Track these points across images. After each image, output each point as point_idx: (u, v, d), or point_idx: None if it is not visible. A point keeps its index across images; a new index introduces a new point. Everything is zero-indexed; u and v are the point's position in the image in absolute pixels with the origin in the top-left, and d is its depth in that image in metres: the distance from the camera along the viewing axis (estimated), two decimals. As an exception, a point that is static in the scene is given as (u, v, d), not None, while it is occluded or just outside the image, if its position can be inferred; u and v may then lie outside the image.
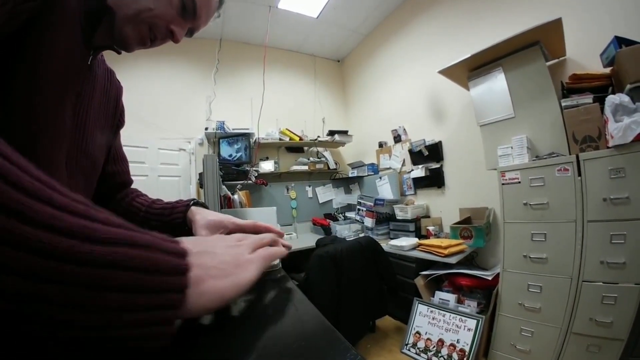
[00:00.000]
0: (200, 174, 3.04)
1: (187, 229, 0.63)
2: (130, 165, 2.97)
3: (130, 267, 0.21)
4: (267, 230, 0.57)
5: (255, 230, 0.58)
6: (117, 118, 0.72)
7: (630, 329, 1.46)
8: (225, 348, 0.27)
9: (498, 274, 2.11)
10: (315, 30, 4.10)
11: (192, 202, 0.67)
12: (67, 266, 0.18)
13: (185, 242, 0.28)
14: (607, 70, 1.78)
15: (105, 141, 0.67)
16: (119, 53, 0.58)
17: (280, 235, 0.55)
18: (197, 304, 0.26)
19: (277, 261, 0.51)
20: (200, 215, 0.62)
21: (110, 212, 0.23)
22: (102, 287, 0.19)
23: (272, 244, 0.44)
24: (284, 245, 0.50)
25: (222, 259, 0.31)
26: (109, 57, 0.66)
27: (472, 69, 2.32)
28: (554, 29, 1.82)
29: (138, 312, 0.21)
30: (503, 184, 2.02)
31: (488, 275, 2.22)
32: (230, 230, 0.60)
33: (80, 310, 0.19)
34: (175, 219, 0.64)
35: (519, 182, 1.94)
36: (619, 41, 1.65)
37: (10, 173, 0.17)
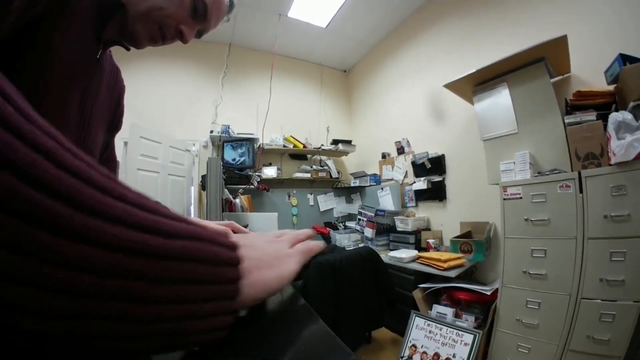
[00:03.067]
0: (203, 176, 3.05)
1: None
2: (145, 158, 2.96)
3: (197, 260, 0.22)
4: None
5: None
6: (116, 118, 0.71)
7: (627, 347, 1.44)
8: (221, 353, 0.27)
9: (497, 289, 2.09)
10: (324, 39, 4.15)
11: None
12: (143, 261, 0.18)
13: (233, 236, 0.30)
14: (611, 87, 1.78)
15: (103, 139, 0.66)
16: (128, 49, 0.58)
17: None
18: (247, 294, 0.26)
19: None
20: None
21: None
22: (175, 280, 0.20)
23: (309, 238, 0.45)
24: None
25: (265, 252, 0.32)
26: (118, 56, 0.66)
27: (477, 84, 2.34)
28: (559, 45, 1.83)
29: (205, 302, 0.22)
30: (505, 199, 2.02)
31: (487, 290, 2.20)
32: None
33: (154, 304, 0.19)
34: None
35: (521, 198, 1.94)
36: (624, 59, 1.66)
37: (80, 169, 0.17)
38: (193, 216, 3.38)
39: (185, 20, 0.56)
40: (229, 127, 3.61)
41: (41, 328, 0.15)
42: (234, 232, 0.59)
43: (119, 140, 0.76)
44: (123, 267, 0.17)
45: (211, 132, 3.64)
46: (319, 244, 0.43)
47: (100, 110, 0.60)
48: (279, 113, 4.05)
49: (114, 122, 0.71)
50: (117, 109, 0.70)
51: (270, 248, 0.34)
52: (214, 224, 0.60)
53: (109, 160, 0.74)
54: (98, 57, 0.54)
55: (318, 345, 0.29)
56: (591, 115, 1.70)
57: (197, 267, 0.21)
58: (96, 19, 0.49)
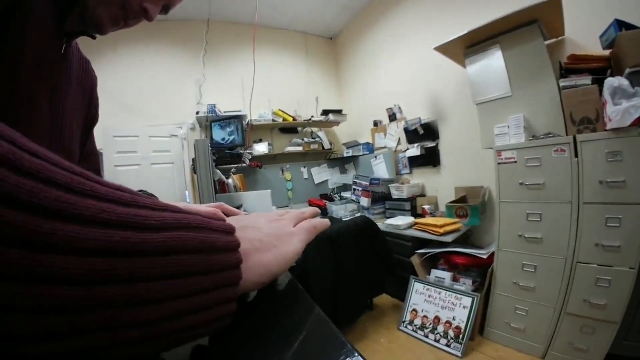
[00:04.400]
0: (193, 160, 3.00)
1: None
2: (122, 155, 3.02)
3: (189, 250, 0.20)
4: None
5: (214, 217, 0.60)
6: (91, 112, 0.69)
7: (624, 313, 1.49)
8: (216, 342, 0.26)
9: (493, 252, 2.14)
10: (306, 6, 3.94)
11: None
12: (126, 261, 0.17)
13: (228, 219, 0.29)
14: (606, 52, 1.74)
15: (80, 135, 0.64)
16: (94, 38, 0.55)
17: None
18: (247, 279, 0.25)
19: None
20: None
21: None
22: (168, 275, 0.19)
23: (314, 216, 0.43)
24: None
25: (266, 232, 0.32)
26: (93, 46, 0.62)
27: (468, 46, 2.27)
28: (553, 7, 1.76)
29: (205, 293, 0.21)
30: (499, 163, 2.02)
31: (483, 253, 2.26)
32: None
33: (148, 305, 0.18)
34: None
35: (515, 162, 1.94)
36: (619, 24, 1.62)
37: (40, 169, 0.15)
38: (188, 201, 3.36)
39: None
40: (215, 106, 3.51)
41: (24, 351, 0.14)
42: (225, 213, 0.59)
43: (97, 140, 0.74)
44: (105, 271, 0.16)
45: (197, 113, 3.54)
46: (324, 222, 0.41)
47: (73, 106, 0.58)
48: (266, 87, 3.94)
49: (89, 116, 0.68)
50: (91, 102, 0.68)
51: (271, 228, 0.33)
52: (203, 207, 0.60)
53: (90, 155, 0.73)
54: (63, 51, 0.52)
55: (313, 334, 0.28)
56: (586, 79, 1.66)
57: (190, 258, 0.20)
58: (55, 12, 0.46)
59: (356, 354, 0.23)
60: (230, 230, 0.25)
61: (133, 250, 0.17)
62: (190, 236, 0.21)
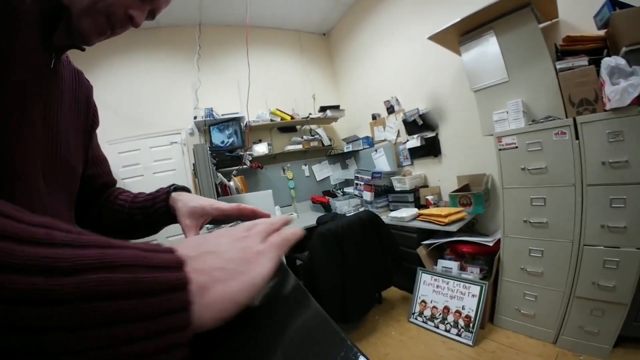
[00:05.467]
0: (194, 164, 3.01)
1: (173, 216, 0.62)
2: (126, 168, 3.09)
3: (113, 295, 0.18)
4: (251, 212, 0.58)
5: (241, 213, 0.59)
6: (90, 119, 0.68)
7: (633, 294, 1.49)
8: (215, 340, 0.25)
9: (499, 239, 2.14)
10: (297, 4, 3.91)
11: (172, 188, 0.65)
12: (34, 310, 0.15)
13: (182, 247, 0.26)
14: (602, 32, 1.72)
15: (82, 146, 0.64)
16: (83, 50, 0.55)
17: (267, 217, 0.53)
18: (207, 316, 0.23)
19: None
20: (182, 202, 0.60)
21: (80, 228, 0.20)
22: (85, 326, 0.16)
23: (285, 225, 0.40)
24: None
25: (229, 257, 0.28)
26: (87, 59, 0.62)
27: (462, 34, 2.25)
28: (544, -11, 1.74)
29: (138, 343, 0.18)
30: (500, 149, 2.01)
31: (489, 241, 2.25)
32: (214, 217, 0.59)
33: (63, 358, 0.16)
34: (159, 208, 0.63)
35: (516, 147, 1.93)
36: (613, 3, 1.60)
37: None
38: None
39: (133, 4, 0.52)
40: (212, 110, 3.50)
41: None
42: (244, 214, 0.58)
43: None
44: (11, 321, 0.14)
45: (195, 118, 3.54)
46: (296, 232, 0.37)
47: (67, 120, 0.58)
48: (262, 87, 3.93)
49: (89, 123, 0.68)
50: (88, 109, 0.67)
51: (235, 250, 0.29)
52: (226, 205, 0.59)
53: (98, 161, 0.72)
54: (52, 66, 0.52)
55: (314, 332, 0.28)
56: (583, 61, 1.65)
57: (116, 304, 0.17)
58: (42, 29, 0.46)
59: (355, 350, 0.23)
60: (177, 265, 0.22)
61: (43, 299, 0.15)
62: (116, 278, 0.18)
